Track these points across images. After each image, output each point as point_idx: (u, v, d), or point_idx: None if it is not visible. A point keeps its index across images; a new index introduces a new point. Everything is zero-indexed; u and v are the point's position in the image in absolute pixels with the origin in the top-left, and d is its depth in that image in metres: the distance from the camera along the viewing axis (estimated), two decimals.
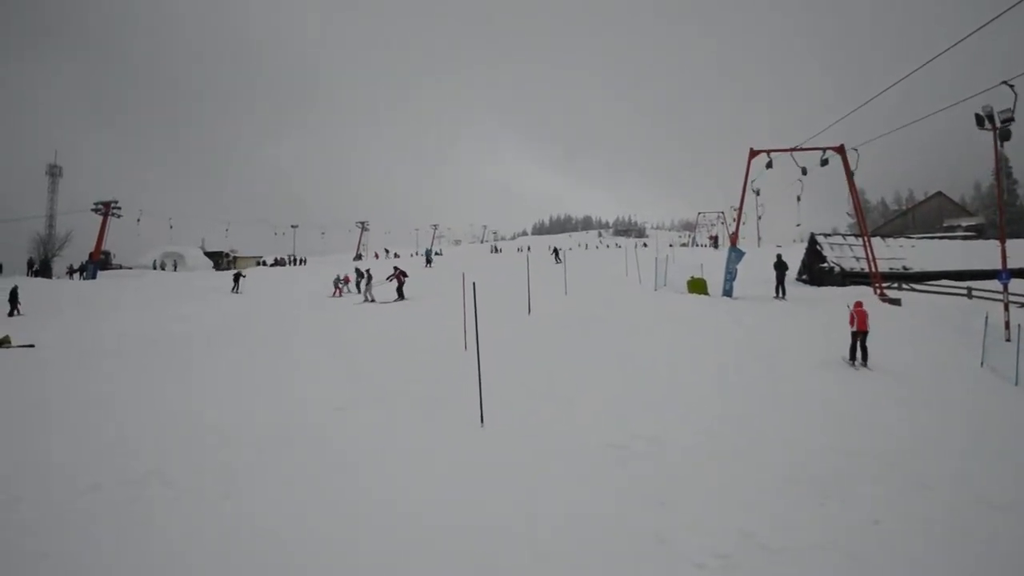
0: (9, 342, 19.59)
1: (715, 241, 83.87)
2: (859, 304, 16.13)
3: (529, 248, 71.73)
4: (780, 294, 25.00)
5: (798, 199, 27.54)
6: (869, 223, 34.65)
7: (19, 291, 30.35)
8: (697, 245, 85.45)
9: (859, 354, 15.20)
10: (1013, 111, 17.50)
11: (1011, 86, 16.80)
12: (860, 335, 15.30)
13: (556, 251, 49.75)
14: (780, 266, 25.58)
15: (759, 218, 35.22)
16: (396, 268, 31.28)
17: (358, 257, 75.95)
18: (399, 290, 29.57)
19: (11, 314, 28.73)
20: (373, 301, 28.80)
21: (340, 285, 33.96)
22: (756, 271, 28.41)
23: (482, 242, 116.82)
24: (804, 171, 26.98)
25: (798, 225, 30.24)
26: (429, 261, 53.40)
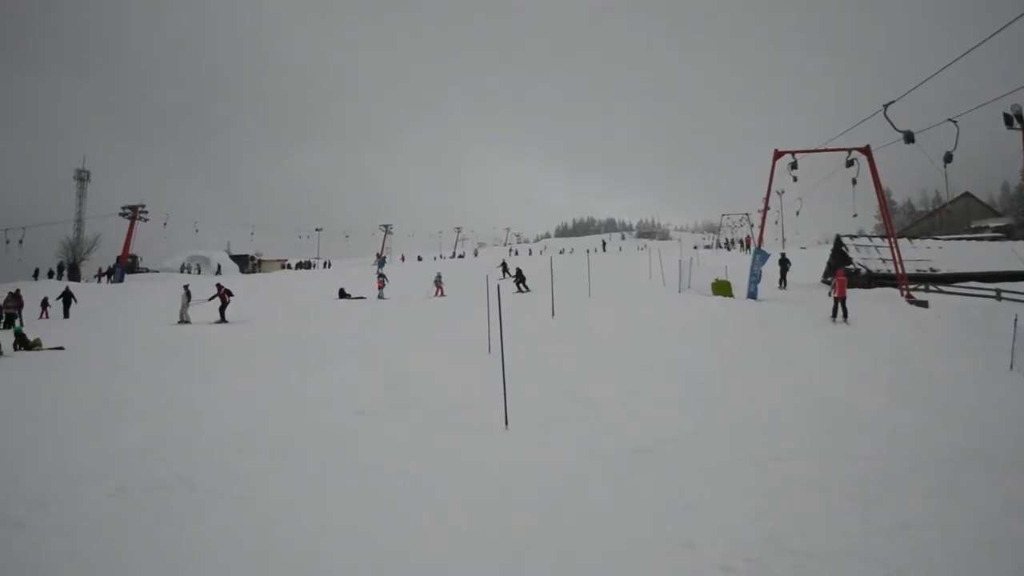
0: (40, 345, 19.86)
1: (728, 244, 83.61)
2: (840, 274, 21.77)
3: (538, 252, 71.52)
4: (782, 285, 29.47)
5: (853, 182, 26.48)
6: (895, 224, 34.21)
7: (71, 295, 31.09)
8: (720, 247, 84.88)
9: (840, 313, 20.49)
10: None
11: None
12: (840, 300, 20.61)
13: (519, 276, 34.04)
14: (784, 263, 30.25)
15: (797, 214, 34.54)
16: (220, 286, 28.29)
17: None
18: (221, 311, 27.07)
19: (41, 316, 29.25)
20: (188, 322, 26.29)
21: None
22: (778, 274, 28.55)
23: (504, 245, 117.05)
24: (788, 177, 27.21)
25: (855, 216, 29.58)
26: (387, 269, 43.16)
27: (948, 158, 21.81)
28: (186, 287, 28.22)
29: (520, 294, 30.92)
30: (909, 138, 22.72)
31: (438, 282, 35.33)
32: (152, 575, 5.73)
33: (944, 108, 20.80)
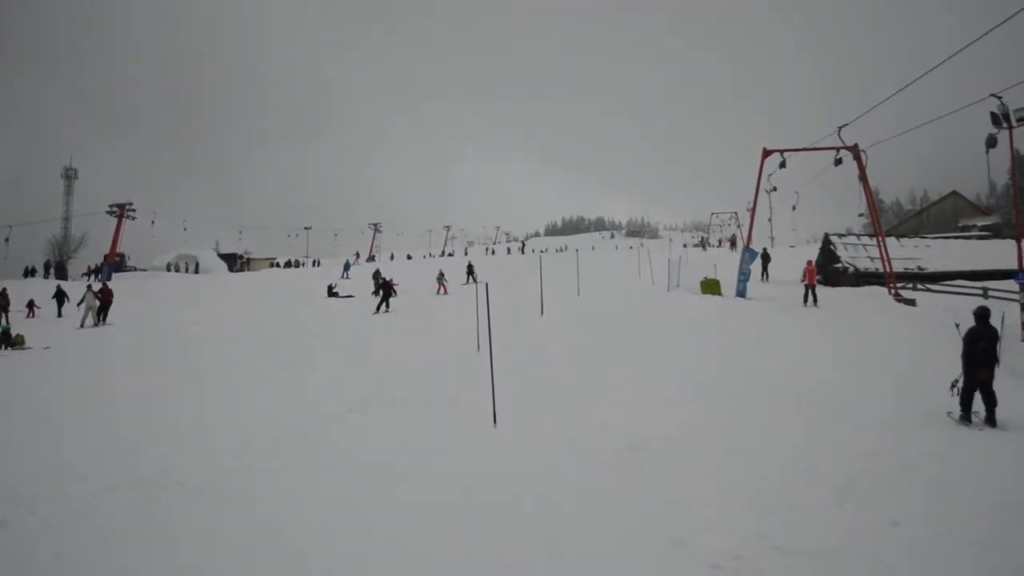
0: (23, 341, 19.71)
1: (705, 243, 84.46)
2: (809, 263, 25.27)
3: (524, 250, 71.40)
4: (764, 278, 31.54)
5: (860, 177, 26.38)
6: (883, 223, 34.33)
7: (64, 294, 30.46)
8: (710, 246, 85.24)
9: (811, 299, 23.56)
10: None
11: None
12: (810, 287, 23.93)
13: (385, 289, 28.23)
14: (765, 258, 32.36)
15: (793, 208, 34.53)
16: (104, 285, 27.39)
17: (371, 259, 76.28)
18: (102, 312, 25.86)
19: (30, 316, 29.03)
20: (96, 325, 25.03)
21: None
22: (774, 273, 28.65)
23: (495, 243, 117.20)
24: (779, 174, 27.81)
25: (860, 214, 29.80)
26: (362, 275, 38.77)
27: (991, 142, 20.11)
28: (89, 287, 27.08)
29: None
30: (837, 162, 26.00)
31: (440, 279, 34.64)
32: (141, 573, 5.68)
33: (939, 106, 20.97)
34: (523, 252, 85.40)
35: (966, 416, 10.40)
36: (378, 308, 27.25)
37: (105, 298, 26.04)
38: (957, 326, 11.33)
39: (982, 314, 10.68)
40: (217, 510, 6.99)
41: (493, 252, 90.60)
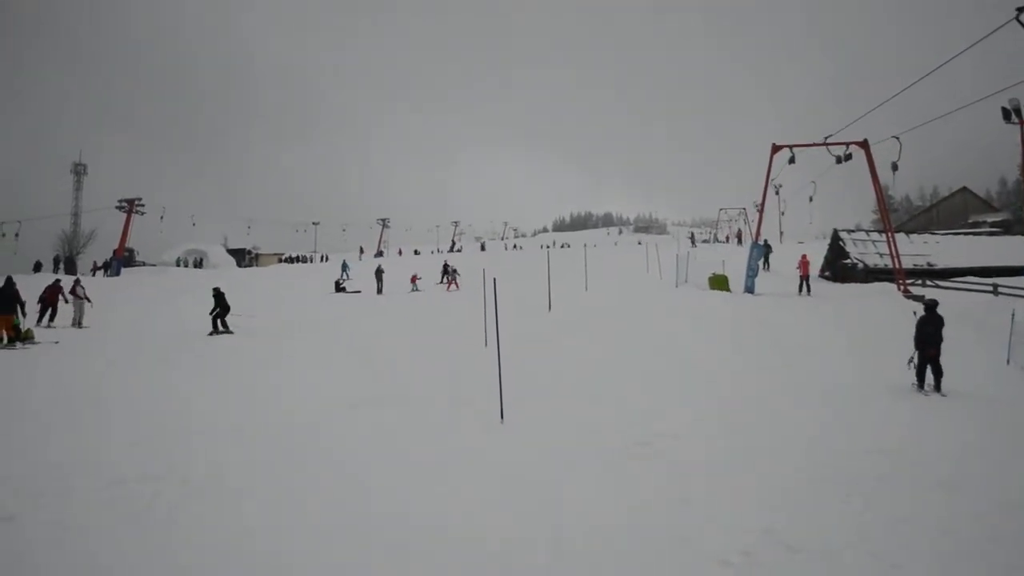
0: (32, 336, 19.73)
1: (694, 239, 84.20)
2: (804, 256, 26.99)
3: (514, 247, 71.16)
4: (766, 267, 32.85)
5: (894, 167, 25.81)
6: (892, 219, 34.07)
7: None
8: (718, 241, 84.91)
9: (805, 289, 25.87)
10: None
11: None
12: (804, 278, 26.14)
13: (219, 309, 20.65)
14: (766, 247, 33.84)
15: (810, 199, 33.87)
16: (57, 283, 24.56)
17: (379, 254, 76.35)
18: (49, 314, 23.21)
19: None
20: (39, 323, 22.58)
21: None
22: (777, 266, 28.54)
23: (502, 239, 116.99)
24: (788, 170, 28.02)
25: (895, 210, 29.72)
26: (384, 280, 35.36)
27: (874, 170, 20.96)
28: (77, 280, 25.71)
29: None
30: (839, 160, 26.35)
31: (454, 275, 33.81)
32: (143, 567, 5.69)
33: (950, 100, 20.89)
34: (483, 249, 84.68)
35: (920, 385, 12.36)
36: (214, 326, 20.85)
37: (49, 299, 23.59)
38: (915, 313, 13.30)
39: (930, 305, 12.91)
40: (219, 507, 6.97)
41: (484, 248, 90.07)
